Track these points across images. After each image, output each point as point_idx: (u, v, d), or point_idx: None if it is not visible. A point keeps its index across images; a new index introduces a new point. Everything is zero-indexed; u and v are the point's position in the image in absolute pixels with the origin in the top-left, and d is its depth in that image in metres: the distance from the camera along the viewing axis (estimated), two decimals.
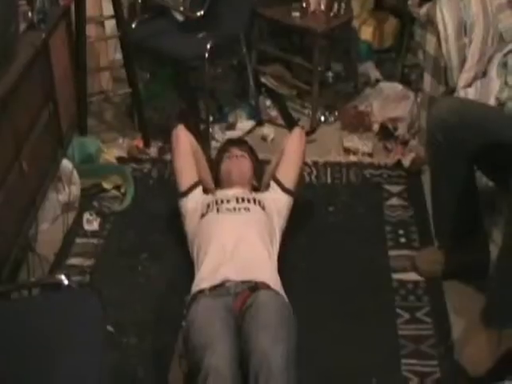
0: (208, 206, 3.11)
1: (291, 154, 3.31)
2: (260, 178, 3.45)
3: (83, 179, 3.70)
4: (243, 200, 3.10)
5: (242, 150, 3.46)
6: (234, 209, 3.05)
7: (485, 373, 2.64)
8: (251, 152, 3.51)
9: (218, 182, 3.43)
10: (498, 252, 2.62)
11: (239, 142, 3.65)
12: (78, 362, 2.04)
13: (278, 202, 3.17)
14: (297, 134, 3.41)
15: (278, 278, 2.83)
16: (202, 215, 3.09)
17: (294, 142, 3.36)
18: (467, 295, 3.04)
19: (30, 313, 2.22)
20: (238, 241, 2.87)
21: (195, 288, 2.75)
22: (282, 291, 2.74)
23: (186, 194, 3.26)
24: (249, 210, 3.04)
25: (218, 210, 3.05)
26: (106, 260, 3.36)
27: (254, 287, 2.66)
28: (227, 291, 2.66)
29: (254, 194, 3.21)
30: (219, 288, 2.68)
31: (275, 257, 2.96)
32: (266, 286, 2.68)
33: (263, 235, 2.95)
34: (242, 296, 2.63)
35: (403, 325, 2.96)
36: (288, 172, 3.28)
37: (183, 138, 3.37)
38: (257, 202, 3.11)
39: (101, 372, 2.08)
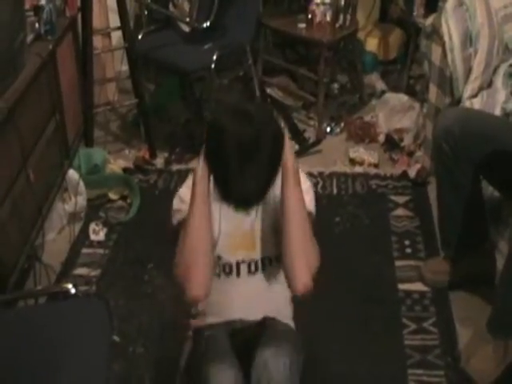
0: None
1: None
2: None
3: (89, 190, 3.71)
4: (256, 269, 2.45)
5: None
6: (245, 279, 2.48)
7: (491, 383, 2.64)
8: None
9: None
10: (504, 262, 2.62)
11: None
12: (85, 371, 2.04)
13: None
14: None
15: (290, 304, 2.57)
16: None
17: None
18: (473, 305, 3.04)
19: (37, 321, 2.21)
20: (247, 295, 2.47)
21: (199, 320, 2.49)
22: (290, 319, 2.55)
23: None
24: (261, 275, 2.48)
25: (225, 278, 2.46)
26: (112, 270, 3.36)
27: (261, 322, 2.41)
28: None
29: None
30: (227, 324, 2.43)
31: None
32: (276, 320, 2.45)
33: (277, 283, 2.50)
34: None
35: (409, 335, 2.95)
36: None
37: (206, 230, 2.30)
38: (267, 264, 2.50)
39: (107, 381, 2.08)
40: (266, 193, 2.25)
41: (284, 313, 2.51)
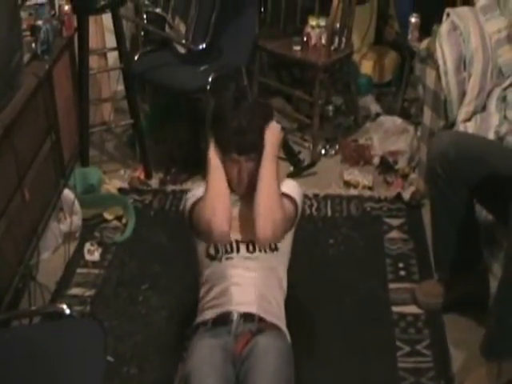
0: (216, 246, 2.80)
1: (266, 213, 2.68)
2: None
3: (85, 209, 3.71)
4: (254, 249, 2.76)
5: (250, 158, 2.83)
6: (244, 258, 2.76)
7: None
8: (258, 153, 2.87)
9: None
10: (498, 284, 2.63)
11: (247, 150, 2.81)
12: None
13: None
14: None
15: (283, 308, 2.75)
16: (209, 256, 2.80)
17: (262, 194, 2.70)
18: (467, 328, 3.04)
19: (31, 341, 2.21)
20: (245, 280, 2.71)
21: (199, 318, 2.68)
22: (283, 324, 2.68)
23: None
24: (258, 258, 2.76)
25: (227, 259, 2.76)
26: (106, 290, 3.35)
27: (256, 330, 2.54)
28: (228, 331, 2.54)
29: None
30: (221, 324, 2.57)
31: (285, 285, 2.83)
32: (269, 325, 2.59)
33: (273, 275, 2.79)
34: (243, 339, 2.52)
35: (403, 357, 2.94)
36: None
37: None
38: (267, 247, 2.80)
39: None
40: (258, 143, 2.73)
41: (276, 310, 2.70)
